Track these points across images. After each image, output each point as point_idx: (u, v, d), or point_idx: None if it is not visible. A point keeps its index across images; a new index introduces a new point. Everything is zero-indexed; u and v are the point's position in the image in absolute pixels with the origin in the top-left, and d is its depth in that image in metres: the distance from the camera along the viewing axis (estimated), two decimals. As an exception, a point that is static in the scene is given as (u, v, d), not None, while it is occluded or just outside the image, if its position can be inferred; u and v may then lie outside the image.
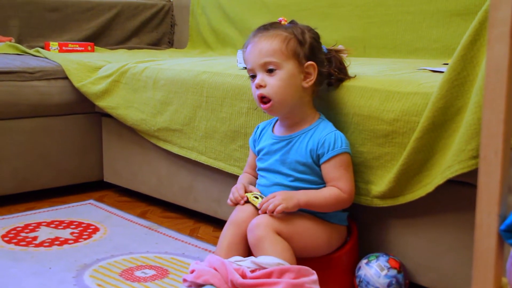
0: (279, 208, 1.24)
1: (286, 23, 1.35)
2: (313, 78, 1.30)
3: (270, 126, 1.41)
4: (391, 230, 1.36)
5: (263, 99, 1.31)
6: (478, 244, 0.82)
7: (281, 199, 1.25)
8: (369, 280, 1.28)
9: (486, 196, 0.80)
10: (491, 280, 0.81)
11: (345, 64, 1.40)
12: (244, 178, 1.45)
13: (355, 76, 1.40)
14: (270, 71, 1.29)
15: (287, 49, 1.28)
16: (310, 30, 1.34)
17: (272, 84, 1.28)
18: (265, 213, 1.26)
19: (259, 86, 1.30)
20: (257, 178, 1.42)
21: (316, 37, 1.34)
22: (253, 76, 1.32)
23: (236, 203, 1.34)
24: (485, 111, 0.79)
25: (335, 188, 1.28)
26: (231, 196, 1.36)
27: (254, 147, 1.43)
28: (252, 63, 1.31)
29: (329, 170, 1.29)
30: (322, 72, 1.32)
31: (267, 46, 1.29)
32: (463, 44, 1.14)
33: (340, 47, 1.40)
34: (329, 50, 1.38)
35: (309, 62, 1.30)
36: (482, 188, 0.81)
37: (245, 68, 1.71)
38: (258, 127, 1.44)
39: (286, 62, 1.28)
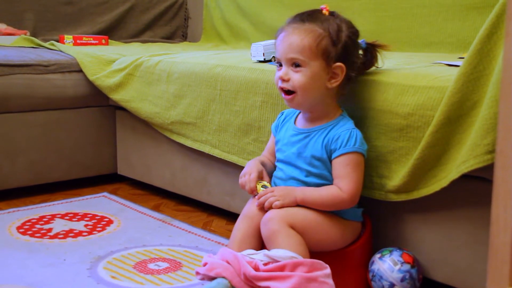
0: (276, 203, 1.26)
1: (327, 12, 1.32)
2: (339, 79, 1.28)
3: (293, 117, 1.40)
4: (405, 225, 1.35)
5: (286, 91, 1.30)
6: (494, 239, 0.81)
7: (279, 196, 1.27)
8: (382, 274, 1.28)
9: (502, 190, 0.80)
10: (506, 275, 0.80)
11: (379, 63, 1.38)
12: (257, 165, 1.39)
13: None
14: (295, 66, 1.28)
15: (317, 48, 1.25)
16: (349, 27, 1.30)
17: (295, 79, 1.27)
18: (261, 207, 1.28)
19: (282, 80, 1.29)
20: (273, 163, 1.42)
21: (352, 35, 1.30)
22: (281, 64, 1.31)
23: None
24: (502, 105, 0.78)
25: (334, 187, 1.27)
26: (243, 182, 1.36)
27: (276, 132, 1.42)
28: (280, 54, 1.30)
29: (336, 167, 1.28)
30: (350, 75, 1.29)
31: (298, 42, 1.26)
32: (479, 38, 1.13)
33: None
34: (368, 44, 1.36)
35: (338, 64, 1.27)
36: (498, 183, 0.80)
37: (259, 61, 1.71)
38: (282, 113, 1.43)
39: (313, 61, 1.26)
